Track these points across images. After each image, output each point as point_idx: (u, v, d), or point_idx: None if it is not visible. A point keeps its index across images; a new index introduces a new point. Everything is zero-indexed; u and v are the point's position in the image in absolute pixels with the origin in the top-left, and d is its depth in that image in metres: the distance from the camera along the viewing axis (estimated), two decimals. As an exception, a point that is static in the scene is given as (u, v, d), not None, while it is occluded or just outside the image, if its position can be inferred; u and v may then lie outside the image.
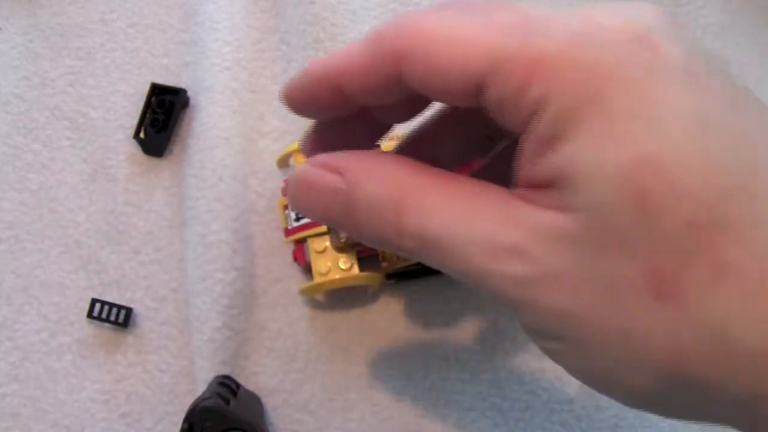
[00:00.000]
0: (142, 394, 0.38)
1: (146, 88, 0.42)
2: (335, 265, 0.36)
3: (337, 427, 0.37)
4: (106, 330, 0.39)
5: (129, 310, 0.39)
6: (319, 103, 0.23)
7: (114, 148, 0.42)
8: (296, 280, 0.39)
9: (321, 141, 0.26)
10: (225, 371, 0.37)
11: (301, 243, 0.37)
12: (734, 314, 0.17)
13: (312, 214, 0.23)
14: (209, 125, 0.40)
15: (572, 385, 0.37)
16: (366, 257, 0.37)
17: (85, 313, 0.39)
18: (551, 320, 0.19)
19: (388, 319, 0.39)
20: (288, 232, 0.37)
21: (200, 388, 0.36)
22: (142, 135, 0.41)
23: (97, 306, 0.39)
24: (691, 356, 0.18)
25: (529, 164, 0.19)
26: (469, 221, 0.20)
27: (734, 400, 0.18)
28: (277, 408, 0.38)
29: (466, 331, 0.38)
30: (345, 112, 0.23)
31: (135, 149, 0.42)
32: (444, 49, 0.19)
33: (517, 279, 0.19)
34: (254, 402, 0.37)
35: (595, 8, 0.19)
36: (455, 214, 0.20)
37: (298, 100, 0.23)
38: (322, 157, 0.22)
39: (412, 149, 0.26)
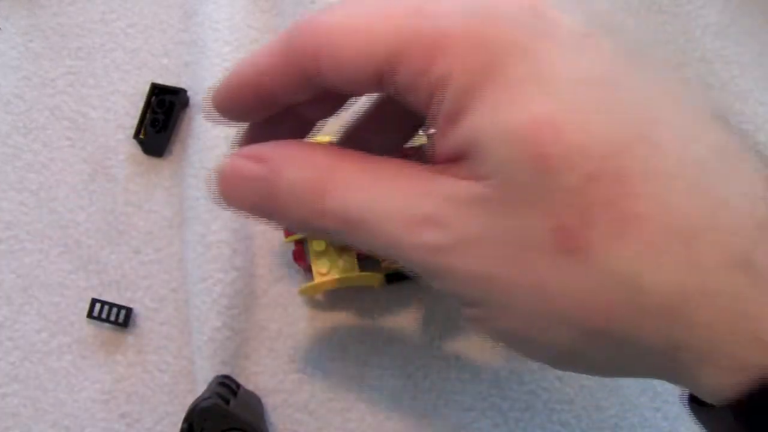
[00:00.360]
0: (142, 394, 0.38)
1: (146, 88, 0.42)
2: (335, 265, 0.36)
3: (337, 428, 0.37)
4: (106, 330, 0.39)
5: (129, 310, 0.39)
6: (244, 105, 0.23)
7: (114, 148, 0.42)
8: (296, 281, 0.39)
9: (253, 141, 0.26)
10: (225, 371, 0.37)
11: (301, 243, 0.37)
12: (643, 264, 0.18)
13: (237, 205, 0.23)
14: (209, 125, 0.40)
15: (572, 385, 0.37)
16: (366, 257, 0.37)
17: (85, 313, 0.39)
18: (470, 285, 0.20)
19: (388, 319, 0.39)
20: (288, 233, 0.37)
21: (200, 388, 0.36)
22: (142, 135, 0.41)
23: (97, 306, 0.39)
24: (603, 309, 0.18)
25: (439, 140, 0.20)
26: (387, 197, 0.20)
27: (652, 351, 0.19)
28: (277, 408, 0.38)
29: (466, 330, 0.38)
30: (272, 112, 0.24)
31: (135, 149, 0.42)
32: (345, 41, 0.20)
33: (435, 247, 0.20)
34: (254, 402, 0.37)
35: None
36: (374, 192, 0.21)
37: (226, 105, 0.24)
38: (245, 149, 0.23)
39: (347, 142, 0.27)
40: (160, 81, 0.42)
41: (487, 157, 0.19)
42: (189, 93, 0.42)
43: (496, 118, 0.18)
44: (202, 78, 0.42)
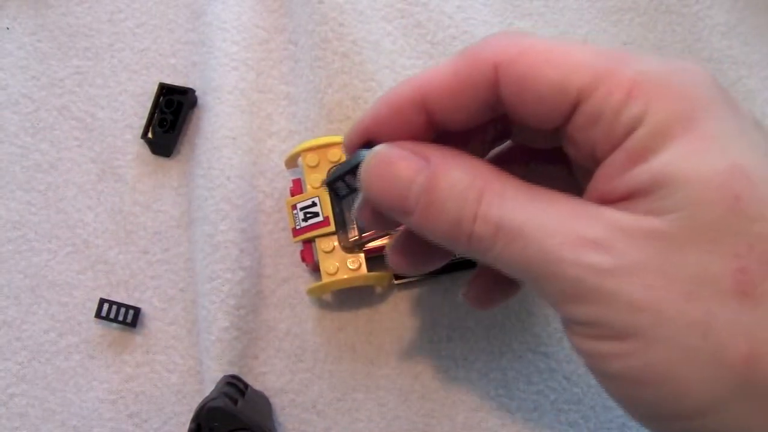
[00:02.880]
0: (149, 394, 0.38)
1: (154, 88, 0.42)
2: (343, 265, 0.36)
3: (345, 427, 0.37)
4: (114, 330, 0.39)
5: (137, 310, 0.39)
6: (401, 129, 0.23)
7: (122, 148, 0.42)
8: (304, 280, 0.39)
9: None
10: (233, 371, 0.37)
11: (308, 243, 0.37)
12: None
13: (386, 192, 0.23)
14: (217, 125, 0.40)
15: (580, 385, 0.37)
16: (374, 257, 0.37)
17: (93, 313, 0.39)
18: (625, 312, 0.20)
19: (396, 319, 0.39)
20: (296, 232, 0.37)
21: (208, 388, 0.36)
22: (150, 135, 0.41)
23: (105, 306, 0.39)
24: (764, 357, 0.19)
25: (612, 179, 0.21)
26: (549, 215, 0.21)
27: None
28: (284, 408, 0.38)
29: (474, 331, 0.38)
30: (422, 137, 0.24)
31: (143, 149, 0.42)
32: (545, 61, 0.21)
33: (599, 269, 0.20)
34: (262, 402, 0.37)
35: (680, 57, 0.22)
36: (535, 208, 0.21)
37: (381, 125, 0.24)
38: (407, 143, 0.23)
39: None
40: (168, 81, 0.42)
41: (677, 192, 0.19)
42: (197, 93, 0.42)
43: (691, 158, 0.19)
44: (210, 78, 0.42)
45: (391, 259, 0.28)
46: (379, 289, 0.39)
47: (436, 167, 0.22)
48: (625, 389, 0.21)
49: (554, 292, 0.21)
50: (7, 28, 0.45)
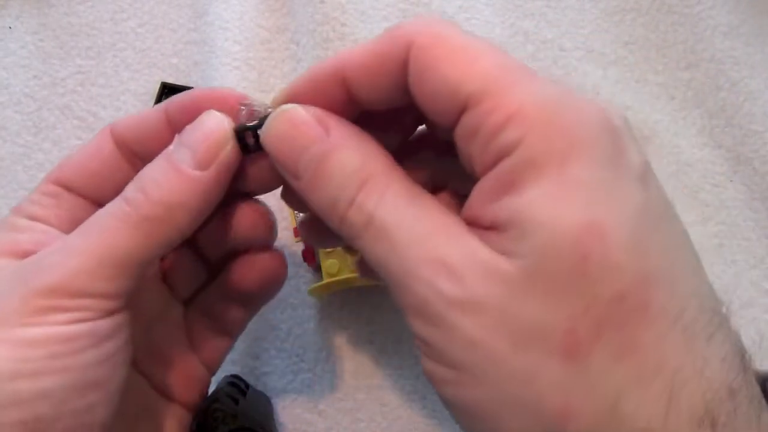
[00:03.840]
0: (151, 394, 0.38)
1: (156, 88, 0.42)
2: (345, 265, 0.36)
3: (346, 428, 0.37)
4: (115, 329, 0.39)
5: (138, 310, 0.39)
6: (322, 101, 0.23)
7: (124, 148, 0.42)
8: (305, 280, 0.39)
9: None
10: (234, 371, 0.37)
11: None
12: (626, 391, 0.18)
13: (280, 150, 0.23)
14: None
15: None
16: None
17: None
18: (461, 346, 0.20)
19: (397, 319, 0.39)
20: (298, 232, 0.37)
21: (209, 388, 0.36)
22: (151, 134, 0.41)
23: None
24: (577, 416, 0.19)
25: (482, 204, 0.20)
26: (422, 225, 0.21)
27: None
28: (286, 408, 0.38)
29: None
30: (343, 114, 0.24)
31: (145, 149, 0.42)
32: (449, 57, 0.20)
33: (447, 297, 0.20)
34: (263, 402, 0.37)
35: (578, 95, 0.21)
36: (412, 214, 0.21)
37: (304, 96, 0.24)
38: (315, 109, 0.23)
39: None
40: (170, 80, 0.42)
41: (528, 237, 0.19)
42: (199, 92, 0.42)
43: (551, 204, 0.19)
44: (212, 77, 0.42)
45: (302, 232, 0.29)
46: (381, 289, 0.39)
47: (332, 142, 0.22)
48: (457, 415, 0.21)
49: (405, 304, 0.21)
50: (10, 27, 0.45)
